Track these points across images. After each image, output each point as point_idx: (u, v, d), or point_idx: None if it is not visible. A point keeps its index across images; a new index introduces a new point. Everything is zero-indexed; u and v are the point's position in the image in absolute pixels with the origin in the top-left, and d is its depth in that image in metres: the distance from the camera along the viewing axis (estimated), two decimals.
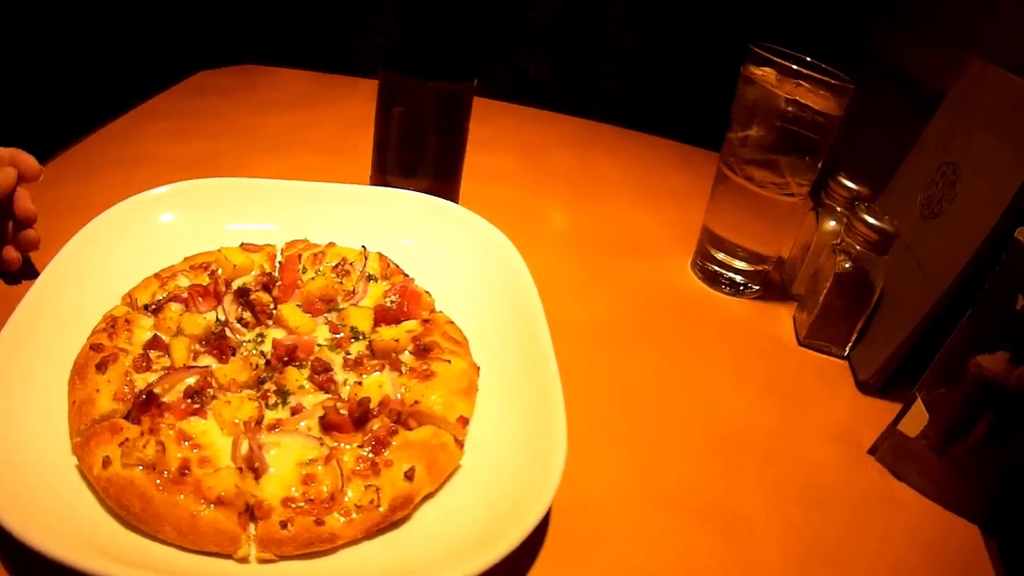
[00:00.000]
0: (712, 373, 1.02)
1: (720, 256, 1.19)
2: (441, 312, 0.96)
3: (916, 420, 0.87)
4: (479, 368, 0.88)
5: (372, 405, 0.79)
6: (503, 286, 0.99)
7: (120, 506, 0.68)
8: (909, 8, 1.56)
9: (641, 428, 0.91)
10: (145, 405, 0.76)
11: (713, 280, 1.20)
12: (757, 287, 1.19)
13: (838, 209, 1.13)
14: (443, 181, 1.19)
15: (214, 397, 0.79)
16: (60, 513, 0.67)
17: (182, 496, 0.68)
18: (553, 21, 1.99)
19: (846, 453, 0.92)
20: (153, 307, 0.90)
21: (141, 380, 0.79)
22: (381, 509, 0.70)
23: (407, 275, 1.01)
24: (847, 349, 1.08)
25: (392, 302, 0.95)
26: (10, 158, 0.98)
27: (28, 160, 0.99)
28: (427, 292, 0.98)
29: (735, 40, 1.16)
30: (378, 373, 0.85)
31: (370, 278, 1.00)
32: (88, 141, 1.40)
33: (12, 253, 0.99)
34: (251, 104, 1.66)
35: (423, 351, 0.87)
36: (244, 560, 0.67)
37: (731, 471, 0.86)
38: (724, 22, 1.85)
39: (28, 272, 1.01)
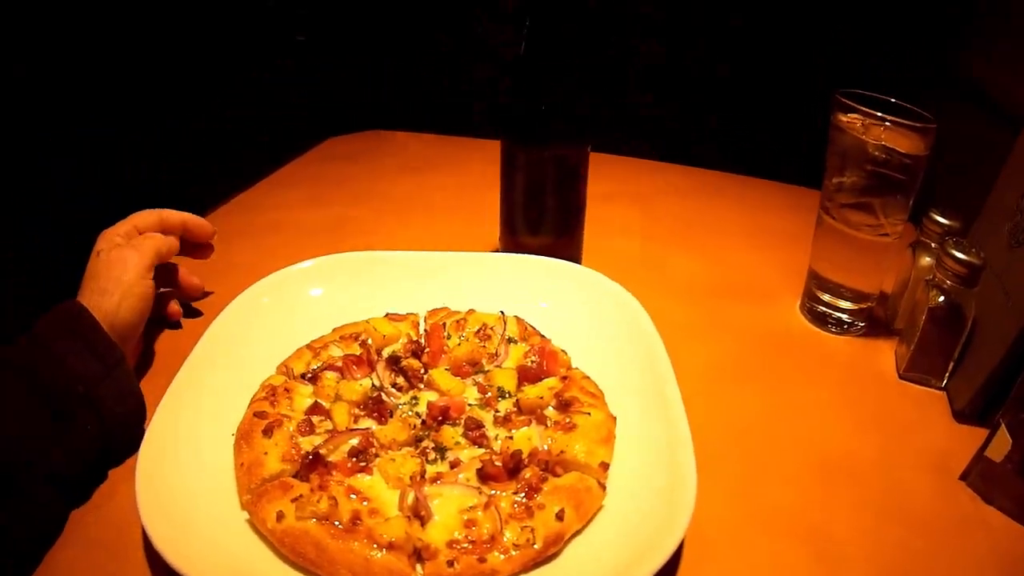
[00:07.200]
0: (817, 407, 1.04)
1: (826, 298, 1.20)
2: (577, 368, 1.01)
3: (1001, 445, 0.87)
4: (615, 418, 0.92)
5: (523, 456, 0.84)
6: (631, 341, 1.03)
7: (295, 554, 0.74)
8: (988, 33, 1.52)
9: (748, 459, 0.94)
10: (312, 464, 0.83)
11: (821, 320, 1.21)
12: (862, 324, 1.20)
13: (932, 245, 1.12)
14: (567, 238, 1.25)
15: (376, 455, 0.86)
16: (235, 564, 0.74)
17: (356, 543, 0.74)
18: (655, 65, 2.04)
19: (939, 480, 0.92)
20: (309, 376, 0.98)
21: (306, 442, 0.87)
22: (536, 546, 0.75)
23: (543, 336, 1.07)
24: (945, 380, 1.07)
25: (533, 362, 1.01)
26: (180, 223, 1.10)
27: (198, 222, 1.12)
28: (563, 351, 1.04)
29: (828, 80, 1.18)
30: (526, 427, 0.90)
31: (510, 340, 1.06)
32: (228, 207, 1.51)
33: (175, 306, 1.14)
34: (378, 169, 1.74)
35: (565, 405, 0.92)
36: None
37: (829, 497, 0.89)
38: (812, 63, 1.85)
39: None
